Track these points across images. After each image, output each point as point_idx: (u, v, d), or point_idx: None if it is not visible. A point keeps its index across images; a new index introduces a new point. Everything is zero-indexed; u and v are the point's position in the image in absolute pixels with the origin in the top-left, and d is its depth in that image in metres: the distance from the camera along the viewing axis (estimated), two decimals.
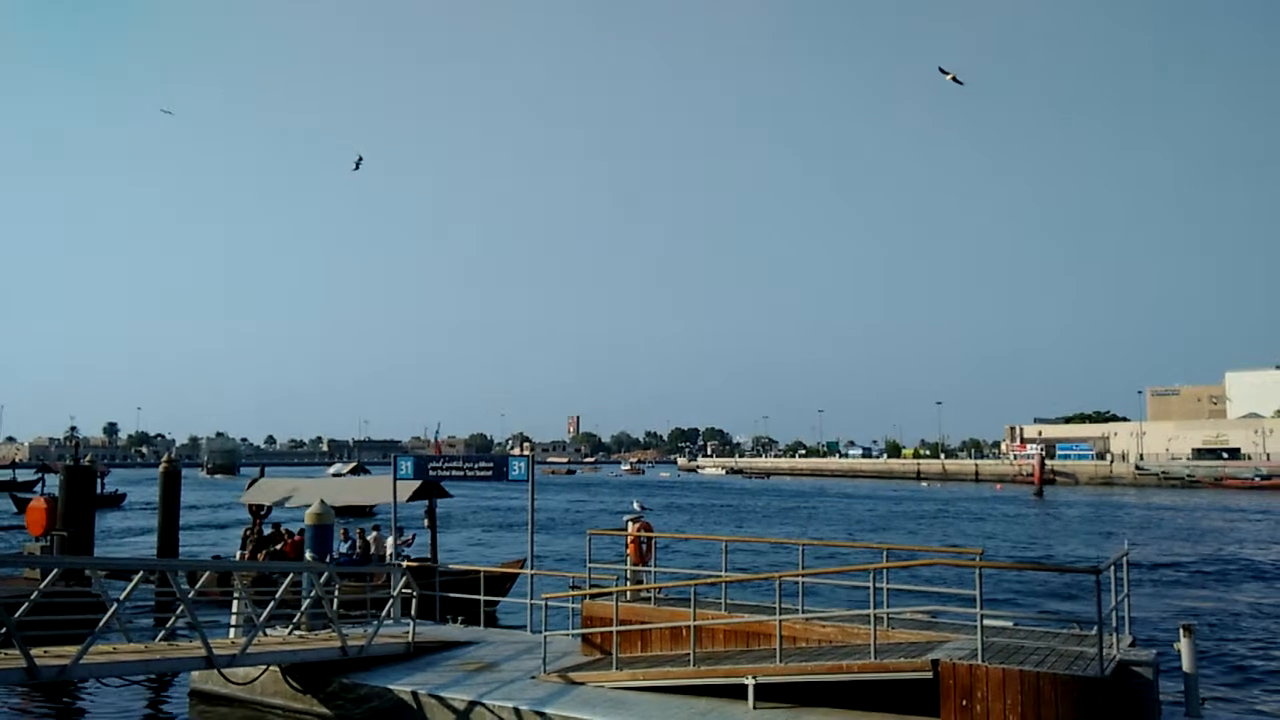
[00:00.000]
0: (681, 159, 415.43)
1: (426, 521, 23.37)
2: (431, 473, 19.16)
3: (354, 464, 65.31)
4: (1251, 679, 16.68)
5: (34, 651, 10.53)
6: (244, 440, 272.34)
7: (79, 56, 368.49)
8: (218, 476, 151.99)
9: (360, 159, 42.62)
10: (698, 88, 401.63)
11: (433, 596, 17.47)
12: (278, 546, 23.24)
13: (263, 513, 24.85)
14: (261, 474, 33.76)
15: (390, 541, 20.60)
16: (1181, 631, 10.81)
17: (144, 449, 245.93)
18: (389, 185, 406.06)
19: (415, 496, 21.11)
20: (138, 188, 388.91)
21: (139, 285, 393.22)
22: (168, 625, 13.36)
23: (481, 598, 17.09)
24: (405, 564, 19.90)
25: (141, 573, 12.45)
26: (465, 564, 25.49)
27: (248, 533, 24.95)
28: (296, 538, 22.28)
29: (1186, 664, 10.72)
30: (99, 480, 49.76)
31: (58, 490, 22.89)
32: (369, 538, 22.09)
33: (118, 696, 14.40)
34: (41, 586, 11.24)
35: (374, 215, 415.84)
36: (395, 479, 19.15)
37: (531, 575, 17.37)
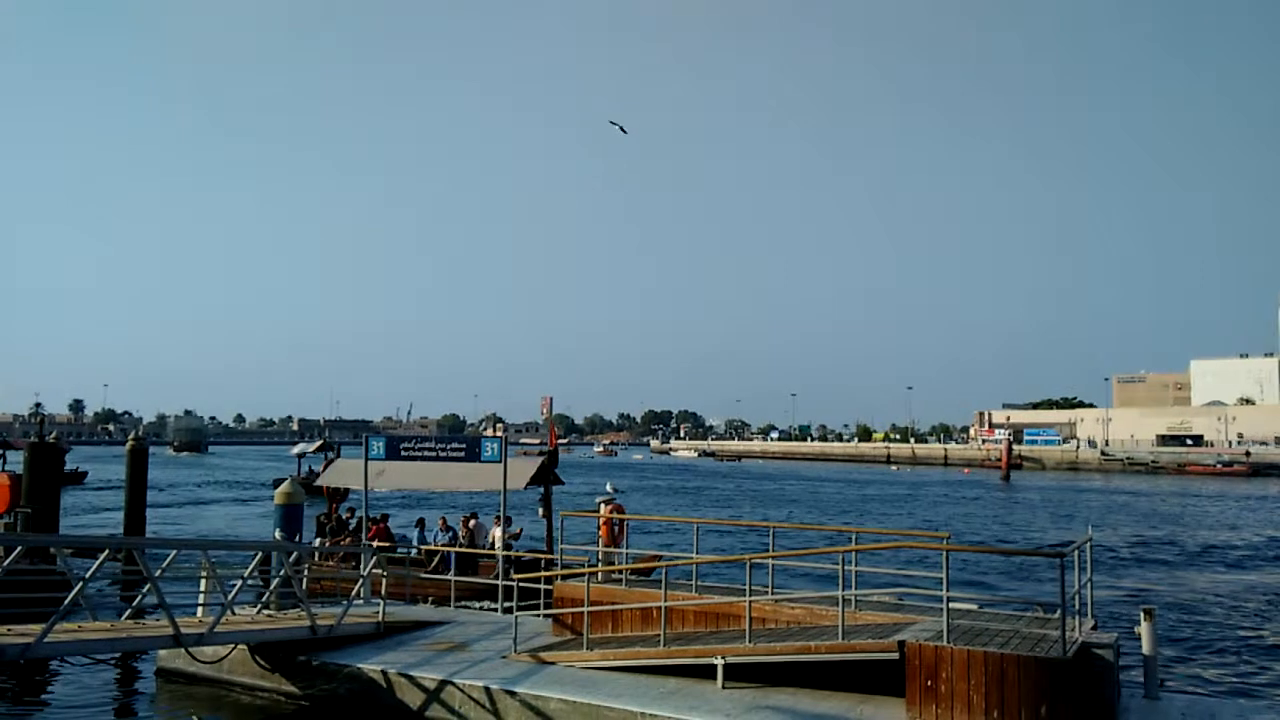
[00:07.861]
0: (660, 148, 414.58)
1: (541, 510, 22.20)
2: (403, 453, 19.06)
3: (320, 442, 64.19)
4: (1209, 660, 17.06)
5: None
6: (212, 419, 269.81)
7: (77, 57, 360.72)
8: (184, 454, 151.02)
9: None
10: (687, 78, 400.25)
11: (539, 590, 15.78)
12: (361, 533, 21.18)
13: (338, 497, 24.08)
14: (337, 454, 31.38)
15: (498, 532, 19.87)
16: (1142, 615, 11.02)
17: (110, 426, 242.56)
18: (364, 168, 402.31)
19: (532, 483, 20.68)
20: (104, 164, 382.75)
21: (107, 262, 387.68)
22: (134, 603, 13.24)
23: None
24: (518, 556, 19.44)
25: (108, 550, 12.33)
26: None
27: (323, 519, 23.54)
28: (381, 524, 21.34)
29: (1146, 646, 10.94)
30: None
31: (21, 468, 22.58)
32: (470, 526, 21.17)
33: (84, 675, 14.27)
34: (5, 564, 11.08)
35: (348, 196, 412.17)
36: (366, 459, 19.12)
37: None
